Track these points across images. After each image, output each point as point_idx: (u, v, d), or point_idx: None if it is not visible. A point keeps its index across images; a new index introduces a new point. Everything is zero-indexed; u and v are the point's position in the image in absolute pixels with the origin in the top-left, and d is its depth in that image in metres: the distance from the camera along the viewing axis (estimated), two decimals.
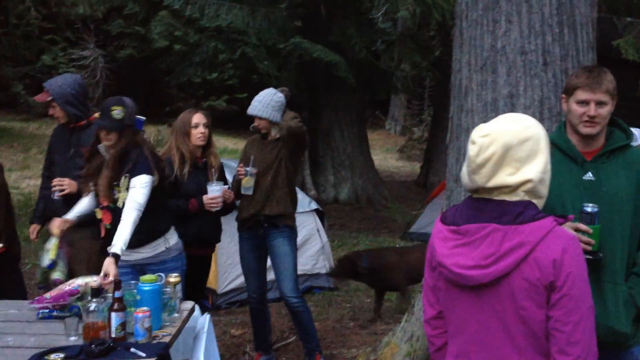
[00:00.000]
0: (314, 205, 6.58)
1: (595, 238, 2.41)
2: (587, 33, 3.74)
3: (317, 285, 6.42)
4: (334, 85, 10.93)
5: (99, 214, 3.51)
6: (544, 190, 1.86)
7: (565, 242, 1.76)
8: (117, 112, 3.39)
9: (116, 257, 3.13)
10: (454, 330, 1.93)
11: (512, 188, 1.81)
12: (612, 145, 2.60)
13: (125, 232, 3.20)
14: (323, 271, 6.44)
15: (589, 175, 2.57)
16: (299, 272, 6.23)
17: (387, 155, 20.05)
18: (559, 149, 2.64)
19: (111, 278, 2.99)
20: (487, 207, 1.83)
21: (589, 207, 2.41)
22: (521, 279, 1.75)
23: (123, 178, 3.41)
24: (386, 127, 24.56)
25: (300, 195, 6.52)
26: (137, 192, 3.33)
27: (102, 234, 3.52)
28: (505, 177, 1.80)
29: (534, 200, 1.84)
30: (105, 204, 3.47)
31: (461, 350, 1.90)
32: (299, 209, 6.36)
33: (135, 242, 3.33)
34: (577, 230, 2.41)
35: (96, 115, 3.78)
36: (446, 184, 4.14)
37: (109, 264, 3.08)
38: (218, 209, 4.05)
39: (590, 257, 2.42)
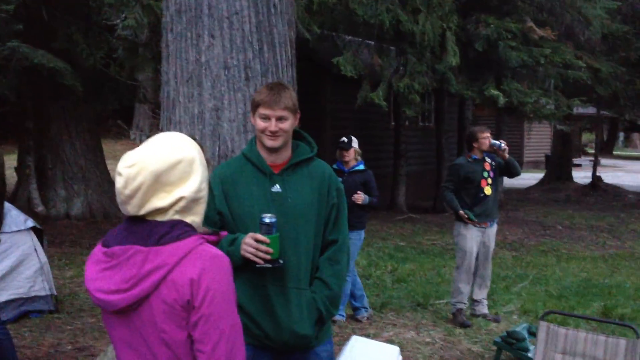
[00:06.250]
0: (30, 223, 6.07)
1: (273, 247, 2.51)
2: (286, 51, 3.95)
3: (35, 309, 5.93)
4: (61, 93, 10.26)
5: None
6: (199, 208, 1.83)
7: (205, 261, 1.72)
8: None
9: None
10: (117, 355, 1.87)
11: (165, 209, 1.76)
12: (297, 158, 2.75)
13: None
14: (42, 293, 5.97)
15: (277, 187, 2.69)
16: (14, 296, 5.75)
17: None
18: (251, 162, 2.74)
19: None
20: (138, 228, 1.76)
21: (267, 218, 2.50)
22: (160, 301, 1.70)
23: None
24: (131, 137, 23.81)
25: (15, 212, 5.99)
26: None
27: None
28: (157, 202, 1.75)
29: (188, 219, 1.79)
30: None
31: None
32: (12, 227, 5.85)
33: None
34: (256, 240, 2.51)
35: None
36: None
37: None
38: None
39: (270, 265, 2.54)
